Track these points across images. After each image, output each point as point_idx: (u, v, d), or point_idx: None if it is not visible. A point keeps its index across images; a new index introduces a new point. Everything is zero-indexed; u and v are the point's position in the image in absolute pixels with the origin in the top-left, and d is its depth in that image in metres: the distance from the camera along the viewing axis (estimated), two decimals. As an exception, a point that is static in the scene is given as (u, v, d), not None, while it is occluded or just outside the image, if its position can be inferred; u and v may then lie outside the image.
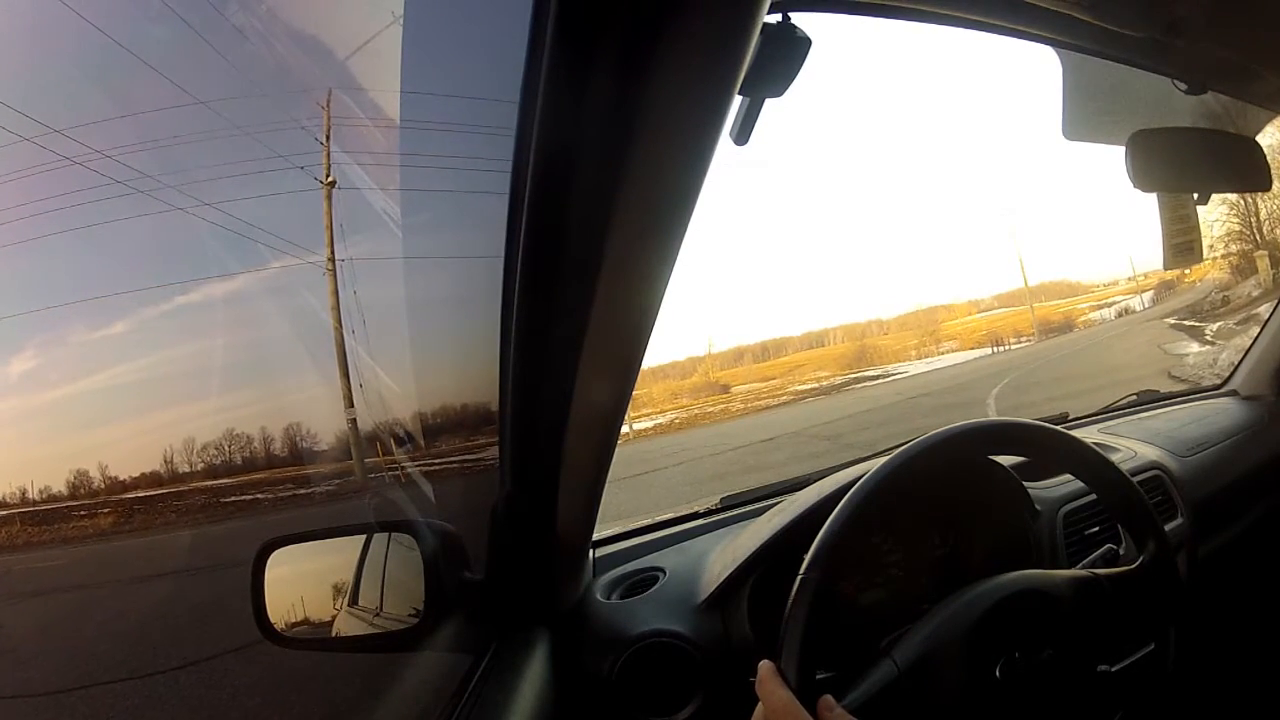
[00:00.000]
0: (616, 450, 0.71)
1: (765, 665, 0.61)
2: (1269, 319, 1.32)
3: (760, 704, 0.60)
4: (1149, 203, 1.06)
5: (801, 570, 0.64)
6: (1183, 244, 1.07)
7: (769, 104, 0.53)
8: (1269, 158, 1.05)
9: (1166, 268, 1.17)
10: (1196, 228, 1.07)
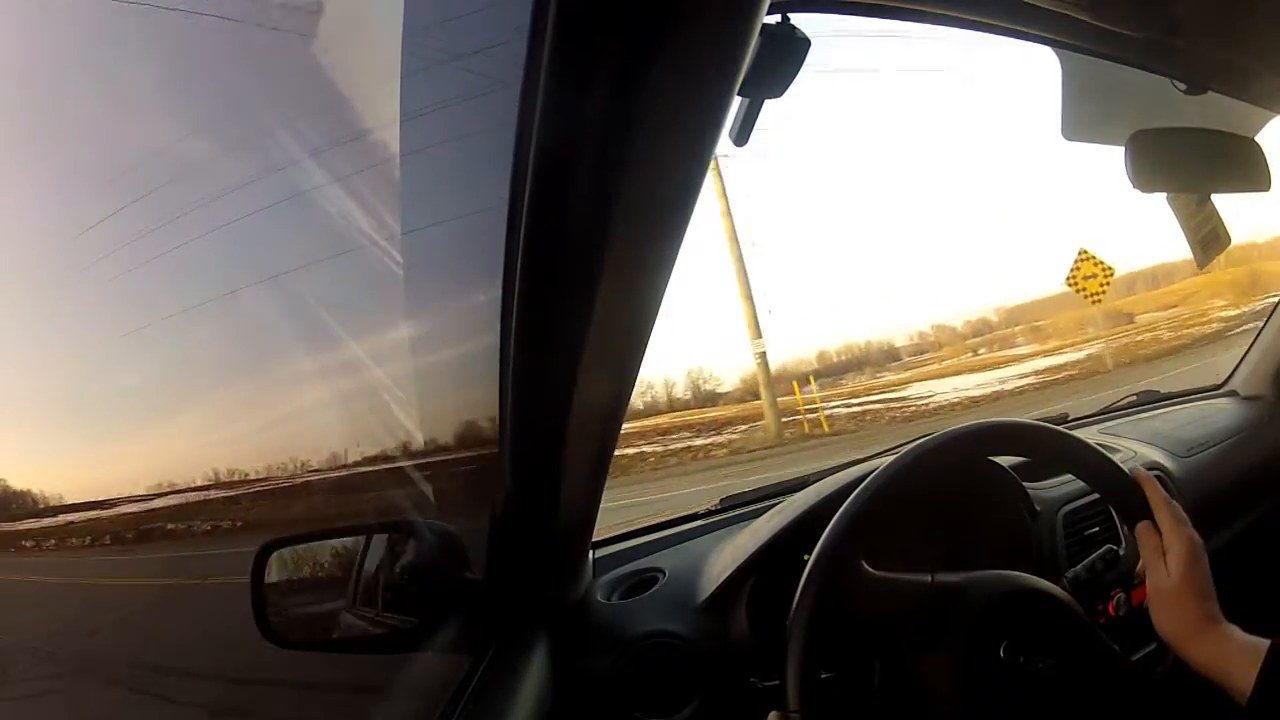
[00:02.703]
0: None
1: None
2: (1269, 318, 1.32)
3: None
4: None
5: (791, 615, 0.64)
6: (1208, 235, 1.06)
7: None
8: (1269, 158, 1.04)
9: (1200, 266, 1.14)
10: (1215, 213, 1.05)
